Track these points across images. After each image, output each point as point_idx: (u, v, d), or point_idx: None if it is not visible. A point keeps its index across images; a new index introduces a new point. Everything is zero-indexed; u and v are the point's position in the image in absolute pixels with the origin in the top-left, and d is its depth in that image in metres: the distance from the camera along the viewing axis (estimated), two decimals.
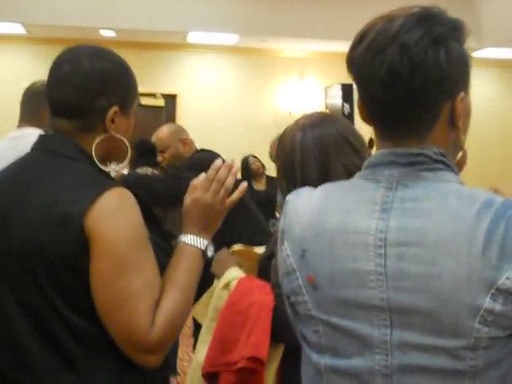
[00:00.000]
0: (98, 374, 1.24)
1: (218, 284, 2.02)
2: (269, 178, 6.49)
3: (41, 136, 1.40)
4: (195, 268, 1.32)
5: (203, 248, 1.34)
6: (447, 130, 0.99)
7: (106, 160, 1.39)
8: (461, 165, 1.03)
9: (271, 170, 6.67)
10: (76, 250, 1.20)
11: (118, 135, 1.36)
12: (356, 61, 0.99)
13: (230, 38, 7.52)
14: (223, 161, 1.36)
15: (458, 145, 1.02)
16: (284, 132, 1.69)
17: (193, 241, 1.33)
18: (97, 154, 1.34)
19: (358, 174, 1.03)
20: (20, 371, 1.26)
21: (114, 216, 1.22)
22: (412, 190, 0.94)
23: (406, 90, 0.94)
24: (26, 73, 7.50)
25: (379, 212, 0.95)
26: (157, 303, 1.23)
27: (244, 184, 1.39)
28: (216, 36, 7.42)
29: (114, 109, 1.34)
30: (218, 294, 2.00)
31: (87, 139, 1.34)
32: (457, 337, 0.89)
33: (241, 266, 2.14)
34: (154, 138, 3.56)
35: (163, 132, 3.53)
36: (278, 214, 5.17)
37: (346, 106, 7.37)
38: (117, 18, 6.95)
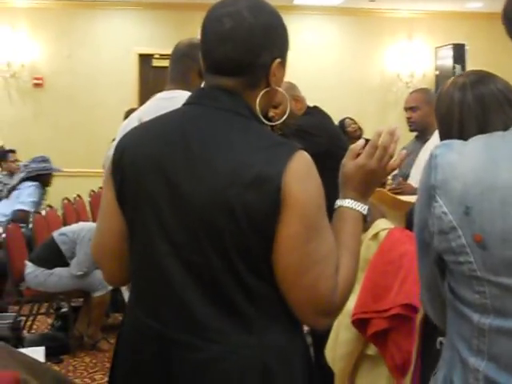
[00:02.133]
0: (272, 334, 1.24)
1: (367, 235, 2.03)
2: (367, 141, 6.38)
3: (201, 91, 1.34)
4: (358, 231, 1.32)
5: (364, 212, 1.33)
6: None
7: (262, 114, 1.34)
8: None
9: (368, 132, 6.61)
10: (268, 211, 1.17)
11: (280, 89, 1.32)
12: None
13: None
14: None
15: None
16: (440, 91, 1.66)
17: (355, 205, 1.32)
18: (259, 110, 1.30)
19: None
20: (193, 335, 1.24)
21: (306, 179, 1.20)
22: None
23: None
24: (136, 37, 7.75)
25: None
26: (337, 267, 1.23)
27: (404, 152, 1.37)
28: None
29: (278, 61, 1.29)
30: (366, 245, 2.01)
31: (251, 95, 1.29)
32: None
33: (385, 216, 2.14)
34: None
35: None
36: None
37: (458, 67, 7.11)
38: None
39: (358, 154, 1.32)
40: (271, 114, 3.50)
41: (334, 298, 1.20)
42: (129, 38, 7.82)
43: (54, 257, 4.03)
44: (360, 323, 1.94)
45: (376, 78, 7.98)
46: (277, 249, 1.19)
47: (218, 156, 1.21)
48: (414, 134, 3.62)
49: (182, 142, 1.25)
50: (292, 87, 3.57)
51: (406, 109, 3.61)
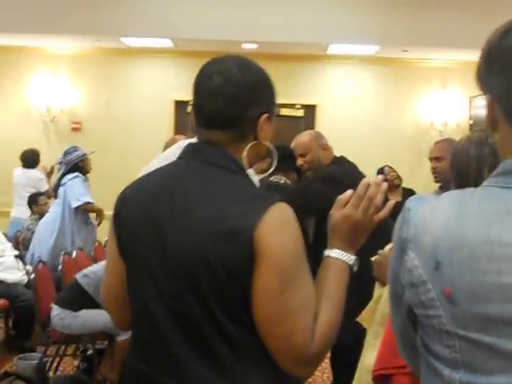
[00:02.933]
0: (252, 382, 1.26)
1: (385, 289, 2.00)
2: (405, 190, 6.32)
3: (192, 146, 1.40)
4: (344, 282, 1.32)
5: (351, 263, 1.34)
6: None
7: (251, 166, 1.42)
8: None
9: (411, 182, 6.56)
10: (242, 262, 1.21)
11: (267, 143, 1.39)
12: (505, 52, 0.94)
13: (370, 48, 7.47)
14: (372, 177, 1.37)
15: None
16: (456, 146, 1.69)
17: (341, 255, 1.33)
18: (245, 163, 1.36)
19: (489, 181, 0.98)
20: (171, 378, 1.28)
21: (281, 231, 1.23)
22: None
23: None
24: (173, 84, 7.91)
25: None
26: (315, 317, 1.24)
27: (392, 202, 1.38)
28: (356, 47, 7.40)
29: (265, 116, 1.36)
30: (385, 299, 1.98)
31: (239, 148, 1.36)
32: None
33: None
34: (294, 143, 3.58)
35: (304, 136, 3.57)
36: None
37: None
38: (259, 31, 7.11)
39: (346, 205, 1.34)
40: (300, 162, 3.52)
41: (310, 348, 1.21)
42: (165, 85, 7.99)
43: (79, 299, 4.04)
44: (381, 380, 1.89)
45: (409, 127, 7.96)
46: (255, 298, 1.22)
47: (198, 209, 1.26)
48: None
49: (168, 196, 1.32)
50: (319, 136, 3.61)
51: (431, 159, 3.58)
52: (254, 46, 7.52)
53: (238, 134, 1.36)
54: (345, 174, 3.25)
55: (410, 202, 1.05)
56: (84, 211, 5.61)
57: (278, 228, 1.23)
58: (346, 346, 3.10)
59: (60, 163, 5.67)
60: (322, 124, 7.92)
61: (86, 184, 5.62)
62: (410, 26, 6.94)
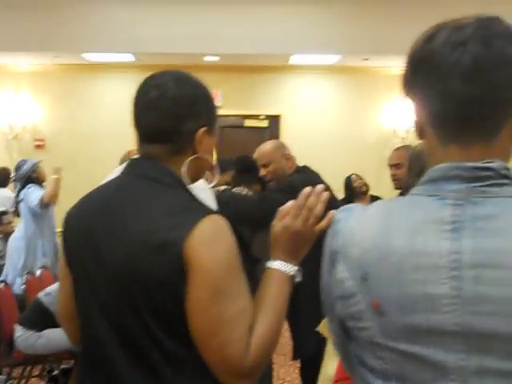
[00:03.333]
0: None
1: None
2: (373, 198, 6.36)
3: (132, 161, 1.42)
4: (285, 293, 1.32)
5: (292, 274, 1.34)
6: (510, 140, 0.95)
7: (193, 181, 1.42)
8: None
9: (377, 189, 6.61)
10: (173, 276, 1.22)
11: (206, 156, 1.39)
12: (429, 56, 0.95)
13: (332, 58, 7.53)
14: (313, 187, 1.34)
15: None
16: (414, 151, 1.69)
17: (282, 266, 1.33)
18: (185, 176, 1.37)
19: (416, 190, 0.98)
20: None
21: (212, 243, 1.23)
22: (482, 207, 0.90)
23: (487, 83, 0.90)
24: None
25: (450, 232, 0.90)
26: (250, 328, 1.24)
27: (332, 212, 1.37)
28: (317, 56, 7.46)
29: (203, 129, 1.37)
30: None
31: (178, 162, 1.36)
32: None
33: None
34: (256, 153, 3.57)
35: (266, 147, 3.56)
36: None
37: None
38: (221, 44, 7.14)
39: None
40: (263, 172, 3.52)
41: (245, 360, 1.21)
42: (129, 99, 7.93)
43: (42, 318, 3.98)
44: None
45: (373, 135, 8.05)
46: (188, 311, 1.22)
47: (131, 223, 1.27)
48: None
49: (105, 212, 1.33)
50: (282, 146, 3.61)
51: (391, 166, 3.61)
52: (216, 58, 7.54)
53: (175, 148, 1.37)
54: (305, 182, 3.25)
55: (338, 214, 1.05)
56: (47, 205, 5.54)
57: (210, 240, 1.23)
58: (311, 356, 3.11)
59: (15, 180, 5.63)
60: (287, 134, 7.96)
61: (42, 191, 5.59)
62: (370, 35, 7.02)
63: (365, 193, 6.41)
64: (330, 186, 3.55)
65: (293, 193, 3.06)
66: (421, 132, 1.00)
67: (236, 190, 3.92)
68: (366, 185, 6.44)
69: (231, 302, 1.22)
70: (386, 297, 0.93)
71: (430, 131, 0.98)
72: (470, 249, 0.88)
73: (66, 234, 1.43)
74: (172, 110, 1.34)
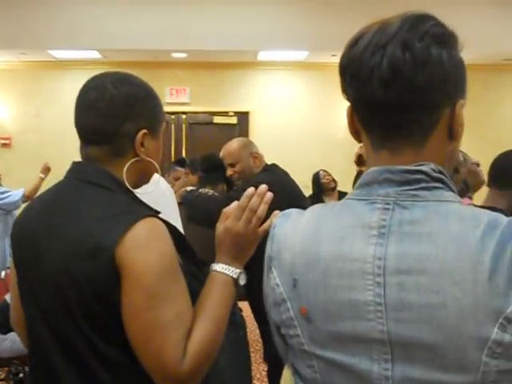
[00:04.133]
0: None
1: None
2: (341, 194, 6.37)
3: (74, 164, 1.40)
4: (227, 297, 1.30)
5: (235, 276, 1.32)
6: (445, 141, 0.92)
7: (138, 184, 1.40)
8: (479, 183, 0.96)
9: (346, 185, 6.64)
10: (107, 281, 1.20)
11: (148, 158, 1.36)
12: (352, 61, 0.93)
13: (300, 54, 7.54)
14: (256, 188, 1.32)
15: (455, 160, 0.95)
16: None
17: (225, 269, 1.31)
18: (129, 179, 1.34)
19: (350, 194, 0.96)
20: None
21: (145, 247, 1.21)
22: (410, 211, 0.88)
23: (408, 87, 0.88)
24: None
25: (376, 237, 0.88)
26: (188, 334, 1.21)
27: (276, 212, 1.32)
28: (285, 53, 7.46)
29: (143, 131, 1.35)
30: None
31: (118, 165, 1.34)
32: (463, 371, 0.81)
33: None
34: (223, 152, 3.52)
35: (233, 146, 3.50)
36: None
37: None
38: (188, 40, 7.09)
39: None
40: (230, 172, 3.49)
41: (181, 367, 1.18)
42: None
43: (7, 321, 3.92)
44: None
45: (342, 131, 8.06)
46: (123, 316, 1.20)
47: (66, 228, 1.26)
48: None
49: (45, 215, 1.32)
50: (249, 144, 3.57)
51: (356, 163, 3.64)
52: (184, 54, 7.49)
53: (114, 150, 1.35)
54: (272, 181, 3.25)
55: (277, 219, 1.04)
56: (25, 202, 5.47)
57: (143, 244, 1.20)
58: (278, 361, 3.11)
59: None
60: (256, 130, 7.95)
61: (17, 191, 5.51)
62: (337, 31, 7.03)
63: (333, 189, 6.43)
64: (297, 186, 3.54)
65: None
66: (356, 136, 0.98)
67: (202, 190, 3.88)
68: (334, 181, 6.46)
69: (166, 307, 1.20)
70: (313, 303, 0.91)
71: (364, 135, 0.96)
72: (394, 254, 0.86)
73: (12, 238, 1.42)
74: (109, 110, 1.32)
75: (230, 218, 1.31)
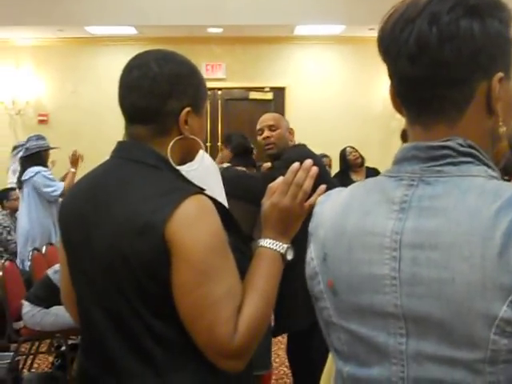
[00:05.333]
0: (181, 377, 1.25)
1: None
2: (368, 170, 6.33)
3: (119, 143, 1.40)
4: (275, 272, 1.30)
5: (283, 252, 1.32)
6: (483, 116, 0.89)
7: (182, 162, 1.40)
8: (499, 159, 0.93)
9: (381, 159, 6.58)
10: (157, 258, 1.20)
11: (192, 136, 1.36)
12: (385, 36, 0.91)
13: (336, 28, 7.44)
14: (301, 163, 1.31)
15: (498, 135, 0.90)
16: None
17: (272, 245, 1.31)
18: (173, 157, 1.34)
19: (384, 171, 0.95)
20: (108, 375, 1.30)
21: (194, 224, 1.21)
22: (433, 187, 0.86)
23: (435, 62, 0.86)
24: None
25: (397, 212, 0.87)
26: (238, 309, 1.22)
27: (322, 187, 1.31)
28: (322, 27, 7.37)
29: (187, 109, 1.34)
30: None
31: (163, 143, 1.34)
32: (474, 349, 0.79)
33: None
34: (264, 117, 3.48)
35: (275, 114, 3.59)
36: None
37: None
38: (223, 15, 7.05)
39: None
40: (266, 134, 3.43)
41: (233, 341, 1.20)
42: None
43: (50, 295, 3.97)
44: None
45: (379, 106, 7.96)
46: (174, 293, 1.22)
47: (115, 207, 1.27)
48: None
49: (93, 195, 1.33)
50: (284, 119, 3.56)
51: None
52: (220, 30, 7.46)
53: (159, 129, 1.34)
54: (302, 156, 3.24)
55: (320, 197, 1.05)
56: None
57: (191, 221, 1.21)
58: (302, 332, 3.11)
59: (21, 145, 5.60)
60: (292, 106, 7.90)
61: (49, 173, 5.56)
62: (374, 4, 6.91)
63: (360, 165, 6.39)
64: (325, 167, 3.52)
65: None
66: (400, 111, 0.96)
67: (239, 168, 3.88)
68: (361, 157, 6.41)
69: (216, 284, 1.21)
70: (338, 276, 0.93)
71: (403, 111, 0.95)
72: (410, 229, 0.86)
73: (60, 220, 1.43)
74: (153, 89, 1.32)
75: (277, 193, 1.31)
